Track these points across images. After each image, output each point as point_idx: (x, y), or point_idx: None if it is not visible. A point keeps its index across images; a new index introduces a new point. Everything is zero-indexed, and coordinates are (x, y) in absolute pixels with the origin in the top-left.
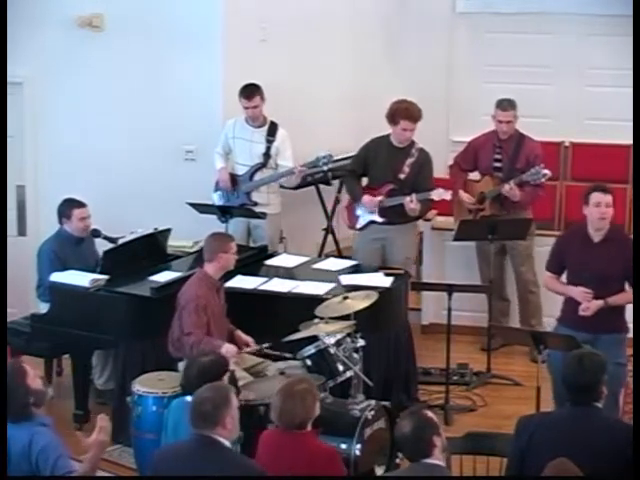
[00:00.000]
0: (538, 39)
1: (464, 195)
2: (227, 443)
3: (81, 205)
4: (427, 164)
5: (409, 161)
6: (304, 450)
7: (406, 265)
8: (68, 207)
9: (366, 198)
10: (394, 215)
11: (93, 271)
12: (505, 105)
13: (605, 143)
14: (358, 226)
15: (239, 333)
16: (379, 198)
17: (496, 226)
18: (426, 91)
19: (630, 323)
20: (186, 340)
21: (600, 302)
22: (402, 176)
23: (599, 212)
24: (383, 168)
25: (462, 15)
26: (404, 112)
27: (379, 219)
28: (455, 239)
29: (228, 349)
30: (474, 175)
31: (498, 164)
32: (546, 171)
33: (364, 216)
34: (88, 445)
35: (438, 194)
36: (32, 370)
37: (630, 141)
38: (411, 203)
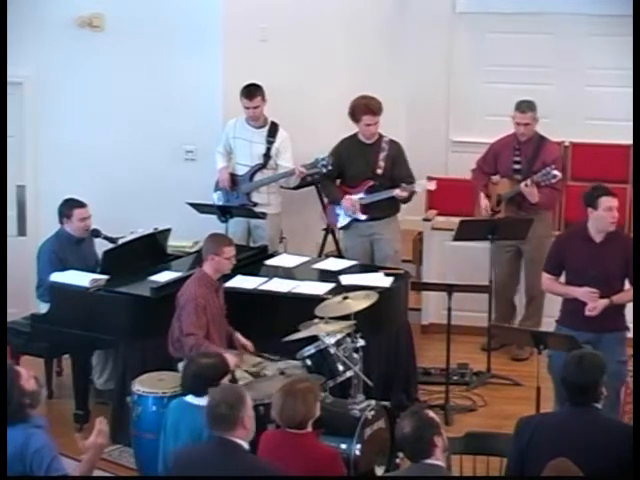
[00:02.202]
0: (538, 39)
1: (483, 201)
2: (245, 445)
3: (81, 205)
4: (400, 155)
5: (382, 155)
6: (305, 451)
7: (395, 259)
8: (69, 207)
9: (345, 200)
10: (376, 211)
11: (93, 271)
12: (523, 107)
13: (605, 143)
14: (339, 225)
15: (238, 336)
16: (359, 196)
17: (496, 226)
18: (426, 91)
19: (629, 322)
20: (185, 341)
21: (606, 301)
22: (379, 171)
23: (611, 216)
24: (359, 166)
25: (462, 15)
26: (364, 108)
27: (362, 217)
28: (455, 239)
29: (231, 360)
30: (497, 178)
31: (517, 166)
32: (556, 172)
33: (345, 215)
34: (86, 447)
35: (421, 185)
36: (26, 371)
37: (630, 141)
38: (403, 192)
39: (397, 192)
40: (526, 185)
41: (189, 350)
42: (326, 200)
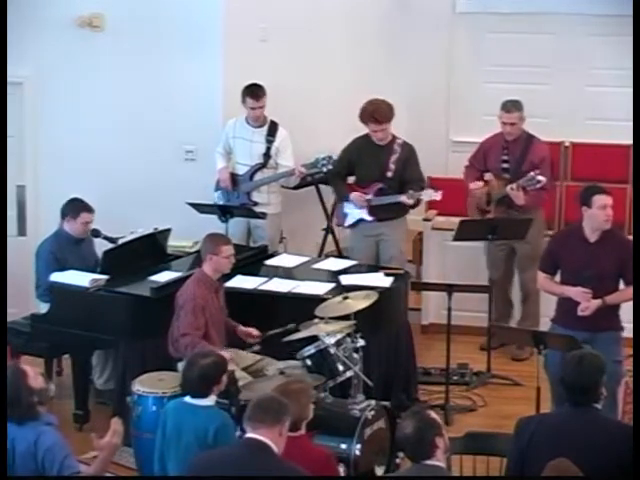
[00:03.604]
0: (538, 39)
1: (473, 184)
2: (275, 448)
3: (90, 210)
4: (412, 157)
5: (393, 158)
6: (299, 453)
7: (401, 259)
8: (76, 208)
9: (354, 194)
10: (384, 212)
11: (93, 271)
12: (509, 107)
13: (605, 143)
14: (346, 224)
15: (241, 328)
16: (368, 196)
17: (496, 226)
18: (426, 91)
19: (625, 322)
20: (182, 341)
21: (598, 301)
22: (389, 174)
23: (606, 215)
24: (369, 167)
25: (462, 15)
26: (369, 116)
27: (368, 218)
28: (455, 239)
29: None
30: (489, 175)
31: (506, 165)
32: (540, 177)
33: (353, 214)
34: (100, 447)
35: (428, 195)
36: (32, 369)
37: (630, 141)
38: (409, 200)
39: (403, 199)
40: (512, 189)
41: (184, 349)
42: (334, 198)
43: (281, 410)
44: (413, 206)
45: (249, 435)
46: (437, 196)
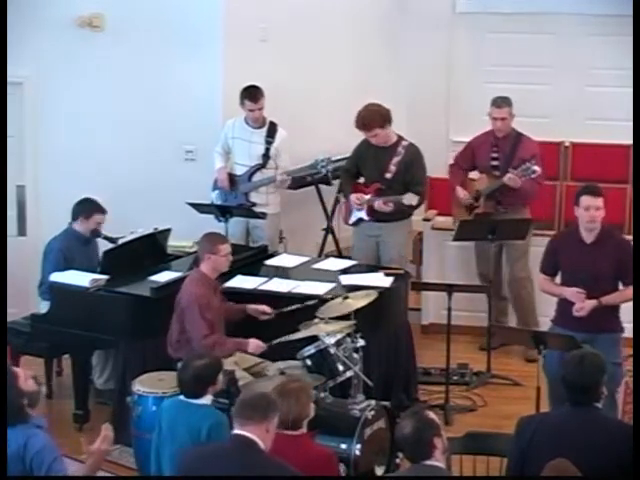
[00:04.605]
0: (538, 39)
1: (460, 191)
2: (262, 445)
3: (103, 211)
4: (416, 160)
5: (395, 160)
6: (300, 452)
7: (401, 263)
8: (90, 209)
9: (352, 196)
10: (381, 213)
11: (93, 271)
12: (499, 102)
13: (605, 143)
14: (350, 222)
15: (250, 306)
16: (367, 196)
17: (496, 226)
18: (426, 91)
19: (625, 322)
20: (205, 342)
21: (594, 302)
22: (389, 175)
23: (588, 216)
24: (371, 169)
25: (462, 15)
26: (360, 121)
27: (366, 217)
28: (455, 239)
29: (257, 345)
30: (474, 174)
31: (495, 162)
32: (536, 167)
33: (354, 212)
34: (90, 452)
35: (408, 199)
36: (23, 372)
37: (630, 141)
38: (384, 205)
39: (377, 203)
40: (509, 179)
41: (211, 349)
42: (336, 196)
43: (269, 407)
44: (412, 209)
45: (236, 432)
46: (414, 200)
